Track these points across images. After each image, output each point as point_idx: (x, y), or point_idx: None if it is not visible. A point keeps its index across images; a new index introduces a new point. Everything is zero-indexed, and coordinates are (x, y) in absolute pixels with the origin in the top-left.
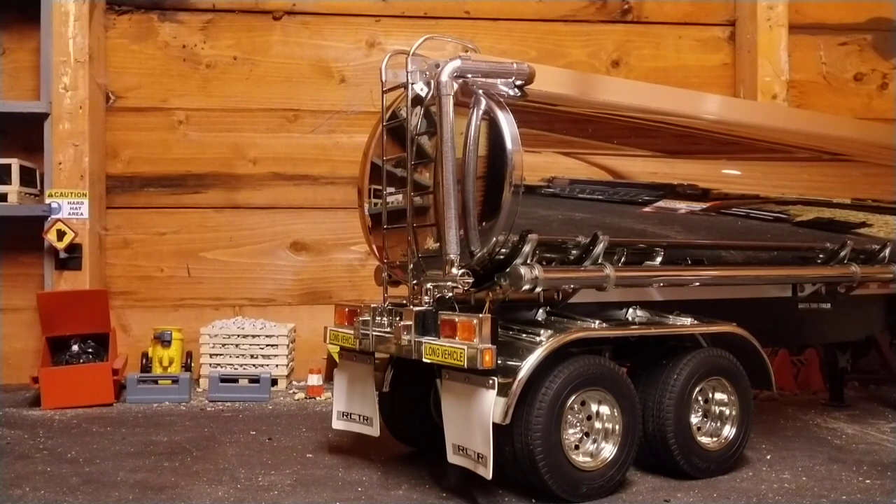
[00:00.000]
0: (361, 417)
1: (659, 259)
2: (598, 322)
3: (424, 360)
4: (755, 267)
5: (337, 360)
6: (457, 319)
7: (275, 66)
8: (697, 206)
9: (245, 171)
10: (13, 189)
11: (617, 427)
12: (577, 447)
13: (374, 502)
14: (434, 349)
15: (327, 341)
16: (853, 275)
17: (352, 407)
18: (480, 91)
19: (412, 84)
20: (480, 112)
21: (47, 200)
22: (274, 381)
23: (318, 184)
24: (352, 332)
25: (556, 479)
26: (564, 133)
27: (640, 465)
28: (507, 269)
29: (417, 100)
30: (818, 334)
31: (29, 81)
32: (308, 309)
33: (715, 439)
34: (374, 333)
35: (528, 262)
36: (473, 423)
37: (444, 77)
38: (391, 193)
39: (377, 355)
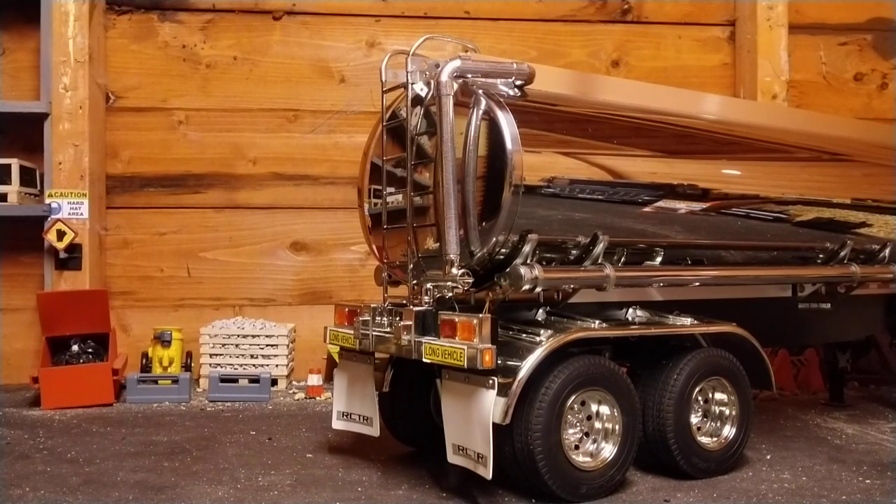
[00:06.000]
0: (361, 417)
1: (659, 259)
2: (598, 322)
3: (424, 360)
4: (755, 267)
5: (337, 360)
6: (457, 319)
7: (275, 66)
8: (697, 206)
9: (245, 171)
10: (13, 189)
11: (617, 427)
12: (577, 447)
13: (374, 502)
14: (434, 349)
15: (327, 341)
16: (853, 275)
17: (352, 407)
18: (480, 91)
19: (412, 84)
20: (480, 112)
21: (47, 200)
22: (274, 381)
23: (318, 184)
24: (352, 332)
25: (556, 479)
26: (564, 133)
27: (640, 465)
28: (507, 269)
29: (417, 100)
30: (818, 334)
31: (29, 81)
32: (308, 309)
33: (715, 439)
34: (374, 333)
35: (528, 262)
36: (473, 423)
37: (444, 77)
38: (391, 193)
39: (377, 355)
